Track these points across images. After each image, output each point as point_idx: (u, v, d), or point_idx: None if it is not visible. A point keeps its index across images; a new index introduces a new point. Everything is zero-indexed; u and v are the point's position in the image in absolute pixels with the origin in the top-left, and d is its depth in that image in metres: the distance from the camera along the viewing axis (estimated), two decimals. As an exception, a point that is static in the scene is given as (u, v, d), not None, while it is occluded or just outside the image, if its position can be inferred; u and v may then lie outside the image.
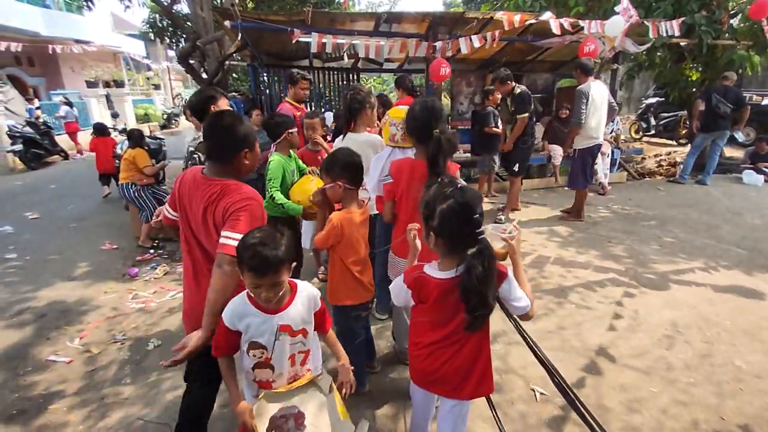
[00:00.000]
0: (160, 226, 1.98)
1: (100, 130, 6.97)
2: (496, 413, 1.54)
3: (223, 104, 2.52)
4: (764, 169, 6.51)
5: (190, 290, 1.70)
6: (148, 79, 22.20)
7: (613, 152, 6.61)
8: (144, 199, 4.60)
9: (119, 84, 16.55)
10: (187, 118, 4.22)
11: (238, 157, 1.58)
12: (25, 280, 3.92)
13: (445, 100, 9.24)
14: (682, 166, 6.75)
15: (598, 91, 4.59)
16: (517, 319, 1.29)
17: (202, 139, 2.16)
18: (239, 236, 1.38)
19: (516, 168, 5.03)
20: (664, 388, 2.28)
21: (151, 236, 4.65)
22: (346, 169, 1.92)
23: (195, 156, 5.62)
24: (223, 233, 1.45)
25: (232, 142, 1.57)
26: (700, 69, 7.08)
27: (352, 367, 1.63)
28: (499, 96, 5.05)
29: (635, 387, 2.30)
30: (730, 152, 8.12)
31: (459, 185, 1.33)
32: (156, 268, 4.08)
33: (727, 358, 2.51)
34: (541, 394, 2.24)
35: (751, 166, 6.69)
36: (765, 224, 4.71)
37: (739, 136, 6.08)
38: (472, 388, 1.42)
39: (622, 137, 8.26)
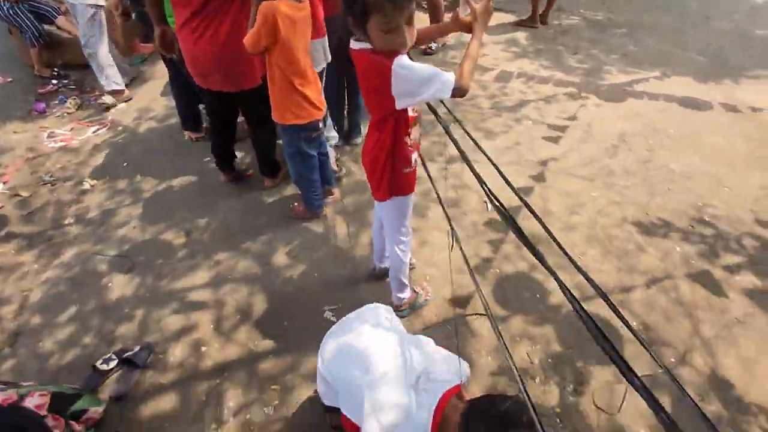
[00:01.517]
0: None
1: None
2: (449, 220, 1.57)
3: None
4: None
5: (209, 40, 1.83)
6: None
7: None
8: (21, 17, 3.55)
9: None
10: None
11: None
12: None
13: None
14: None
15: None
16: (449, 130, 1.18)
17: None
18: None
19: None
20: (603, 192, 2.46)
21: (47, 63, 3.83)
22: None
23: None
24: None
25: None
26: None
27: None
28: None
29: (578, 193, 2.46)
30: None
31: None
32: (66, 102, 3.48)
33: (663, 162, 2.68)
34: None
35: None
36: (732, 29, 4.53)
37: None
38: (374, 190, 1.45)
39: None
